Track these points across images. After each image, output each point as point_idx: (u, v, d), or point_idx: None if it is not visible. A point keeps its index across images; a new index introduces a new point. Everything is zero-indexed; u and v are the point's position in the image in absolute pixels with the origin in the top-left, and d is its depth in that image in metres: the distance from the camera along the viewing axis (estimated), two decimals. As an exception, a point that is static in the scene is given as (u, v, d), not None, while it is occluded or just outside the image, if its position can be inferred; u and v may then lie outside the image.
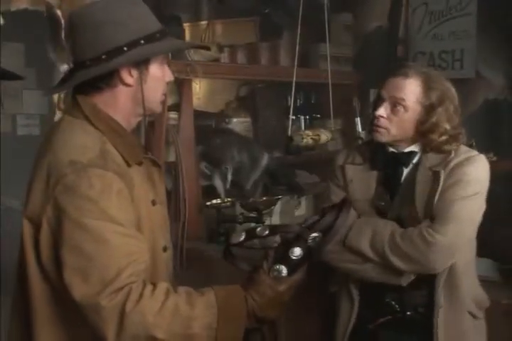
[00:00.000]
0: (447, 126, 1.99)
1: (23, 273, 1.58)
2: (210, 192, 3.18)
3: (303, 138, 3.33)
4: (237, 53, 3.42)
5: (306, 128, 3.66)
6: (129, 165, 1.57)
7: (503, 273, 2.56)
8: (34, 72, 5.20)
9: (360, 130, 3.18)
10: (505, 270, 2.57)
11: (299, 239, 1.61)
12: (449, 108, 1.99)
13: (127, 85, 1.60)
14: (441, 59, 3.51)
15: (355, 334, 2.15)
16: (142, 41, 1.58)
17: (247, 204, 2.99)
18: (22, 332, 1.60)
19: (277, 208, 3.33)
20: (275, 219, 3.39)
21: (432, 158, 2.02)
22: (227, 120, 3.50)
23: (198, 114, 3.24)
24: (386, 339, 2.10)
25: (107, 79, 1.59)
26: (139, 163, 1.63)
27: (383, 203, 2.09)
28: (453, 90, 2.03)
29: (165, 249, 1.67)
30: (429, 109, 1.98)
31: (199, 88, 3.42)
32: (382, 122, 2.01)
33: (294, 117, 3.35)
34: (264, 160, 3.38)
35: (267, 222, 3.27)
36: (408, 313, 2.05)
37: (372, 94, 3.78)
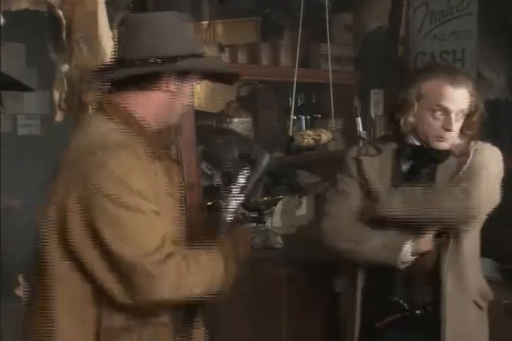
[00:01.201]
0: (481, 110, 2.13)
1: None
2: (211, 192, 3.18)
3: (304, 138, 3.33)
4: (238, 53, 3.42)
5: (307, 128, 3.66)
6: (151, 157, 1.71)
7: (504, 273, 2.57)
8: (35, 72, 5.20)
9: (361, 130, 3.18)
10: (506, 270, 2.57)
11: None
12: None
13: (166, 91, 1.75)
14: (442, 59, 3.51)
15: (363, 333, 2.16)
16: (191, 56, 1.74)
17: (248, 204, 2.99)
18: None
19: (278, 208, 3.33)
20: (276, 219, 3.39)
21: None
22: (227, 120, 3.50)
23: (199, 114, 3.24)
24: (393, 337, 2.12)
25: (150, 82, 1.74)
26: (160, 158, 1.75)
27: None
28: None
29: (175, 242, 1.71)
30: (475, 108, 2.11)
31: (200, 88, 3.42)
32: (453, 135, 2.10)
33: (294, 117, 3.35)
34: (265, 160, 3.37)
35: (268, 222, 3.27)
36: (417, 312, 2.07)
37: (373, 95, 3.78)
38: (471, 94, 2.08)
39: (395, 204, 2.04)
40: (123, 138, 1.68)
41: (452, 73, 2.10)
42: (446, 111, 2.06)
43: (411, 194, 2.04)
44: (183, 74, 1.77)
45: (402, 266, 2.05)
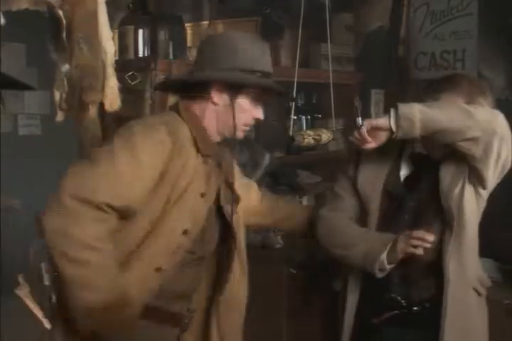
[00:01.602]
0: None
1: None
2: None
3: (304, 138, 3.33)
4: (238, 53, 3.41)
5: (307, 128, 3.65)
6: (198, 150, 1.84)
7: (504, 273, 2.57)
8: (35, 72, 5.20)
9: (361, 130, 3.17)
10: (507, 270, 2.57)
11: None
12: None
13: (213, 103, 1.87)
14: (442, 59, 3.51)
15: (359, 330, 2.17)
16: (239, 71, 1.84)
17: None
18: None
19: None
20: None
21: None
22: (228, 120, 3.50)
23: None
24: (391, 334, 2.12)
25: (199, 92, 1.87)
26: (205, 161, 1.87)
27: (397, 189, 2.14)
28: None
29: (185, 232, 1.80)
30: None
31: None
32: None
33: (295, 117, 3.35)
34: (266, 160, 3.38)
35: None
36: (415, 308, 2.08)
37: (374, 94, 3.78)
38: None
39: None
40: (164, 120, 1.83)
41: (471, 93, 2.06)
42: None
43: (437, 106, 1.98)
44: (232, 88, 1.85)
45: (381, 275, 2.07)
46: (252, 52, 1.86)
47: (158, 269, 1.77)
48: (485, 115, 1.95)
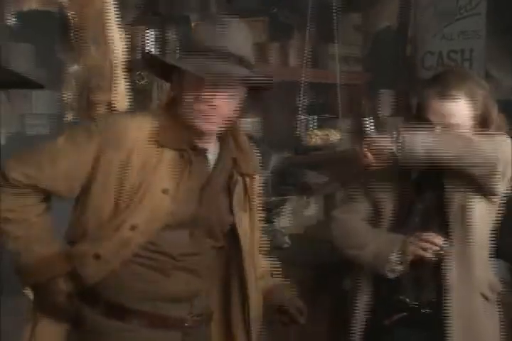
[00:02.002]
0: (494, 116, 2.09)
1: None
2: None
3: (312, 138, 3.33)
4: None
5: (315, 128, 3.65)
6: (158, 144, 1.72)
7: (514, 273, 2.56)
8: (44, 72, 5.21)
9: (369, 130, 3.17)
10: (516, 271, 2.56)
11: None
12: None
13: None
14: (450, 58, 3.51)
15: (371, 330, 2.16)
16: (185, 52, 1.77)
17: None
18: None
19: (286, 208, 3.33)
20: (284, 219, 3.38)
21: None
22: (235, 120, 3.49)
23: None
24: (401, 335, 2.12)
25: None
26: (181, 154, 1.74)
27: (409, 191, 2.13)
28: (486, 87, 2.11)
29: (133, 228, 1.73)
30: (484, 117, 2.06)
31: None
32: None
33: (302, 117, 3.35)
34: (273, 160, 3.38)
35: (276, 222, 3.26)
36: (424, 310, 2.07)
37: (382, 94, 3.77)
38: (464, 109, 2.02)
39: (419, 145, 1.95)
40: (129, 117, 1.81)
41: (448, 84, 2.03)
42: (431, 124, 2.02)
43: (436, 136, 1.99)
44: (180, 72, 1.70)
45: (392, 275, 2.07)
46: (202, 32, 1.73)
47: (97, 256, 1.73)
48: (488, 144, 1.96)
